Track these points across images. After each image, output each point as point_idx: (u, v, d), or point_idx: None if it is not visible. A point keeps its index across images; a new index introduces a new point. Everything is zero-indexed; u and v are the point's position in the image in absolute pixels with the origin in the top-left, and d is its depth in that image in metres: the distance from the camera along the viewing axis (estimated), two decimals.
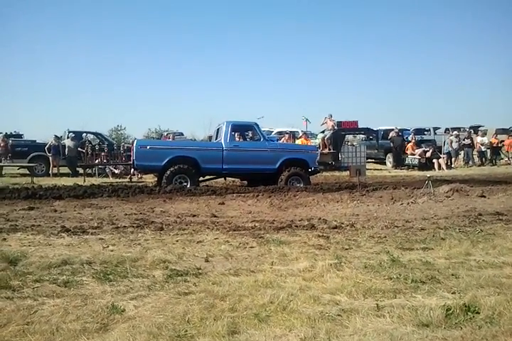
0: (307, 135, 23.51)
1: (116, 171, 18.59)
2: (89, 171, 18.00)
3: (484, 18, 77.00)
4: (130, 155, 14.47)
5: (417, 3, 77.07)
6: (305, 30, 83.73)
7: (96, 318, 3.34)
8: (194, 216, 8.39)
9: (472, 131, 25.02)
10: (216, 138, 14.44)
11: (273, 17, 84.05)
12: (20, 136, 27.56)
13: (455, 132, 24.23)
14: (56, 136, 19.05)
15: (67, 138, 19.32)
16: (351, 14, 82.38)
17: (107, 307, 3.53)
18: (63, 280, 4.20)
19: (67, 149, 18.66)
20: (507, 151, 23.95)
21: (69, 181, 14.98)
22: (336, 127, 20.73)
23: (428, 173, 13.45)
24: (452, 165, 21.97)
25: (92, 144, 19.22)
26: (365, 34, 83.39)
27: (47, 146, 18.41)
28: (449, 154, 22.44)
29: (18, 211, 8.71)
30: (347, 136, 23.47)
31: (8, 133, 24.32)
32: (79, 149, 18.76)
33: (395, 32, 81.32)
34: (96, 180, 16.18)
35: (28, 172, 18.23)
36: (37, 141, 21.40)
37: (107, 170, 18.54)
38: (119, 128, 43.99)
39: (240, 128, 14.80)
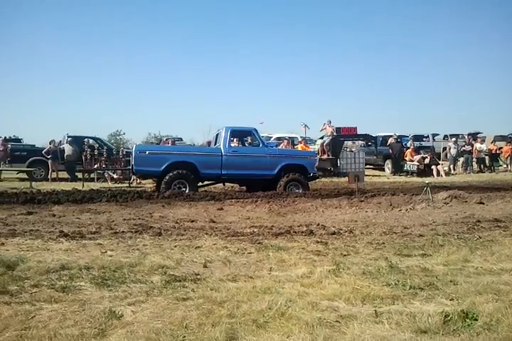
0: (306, 141, 23.55)
1: (115, 176, 18.57)
2: (87, 176, 17.96)
3: (481, 25, 77.15)
4: (129, 160, 14.48)
5: (419, 9, 77.13)
6: (306, 36, 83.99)
7: (94, 324, 3.33)
8: (193, 221, 8.38)
9: (471, 138, 25.09)
10: (215, 144, 14.45)
11: (273, 22, 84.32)
12: (19, 140, 27.67)
13: (453, 139, 24.30)
14: (53, 141, 19.02)
15: (66, 142, 19.30)
16: (351, 19, 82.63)
17: (104, 313, 3.52)
18: (61, 286, 4.19)
19: (65, 154, 18.65)
20: (505, 158, 24.01)
21: (68, 186, 14.97)
22: (335, 133, 20.77)
23: (426, 180, 13.48)
24: (451, 172, 21.98)
25: (92, 149, 19.19)
26: (366, 40, 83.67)
27: (45, 150, 18.41)
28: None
29: (17, 216, 8.70)
30: (346, 142, 23.51)
31: (8, 137, 24.32)
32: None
33: (394, 37, 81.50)
34: (95, 185, 16.17)
35: (26, 176, 18.24)
36: (36, 146, 21.42)
37: (106, 175, 18.52)
38: (118, 133, 44.04)
39: (239, 134, 14.85)
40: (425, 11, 77.27)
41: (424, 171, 21.04)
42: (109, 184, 17.65)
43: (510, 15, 75.64)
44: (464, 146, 23.04)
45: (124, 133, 44.96)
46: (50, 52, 74.81)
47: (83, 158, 18.13)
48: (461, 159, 23.30)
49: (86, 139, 20.73)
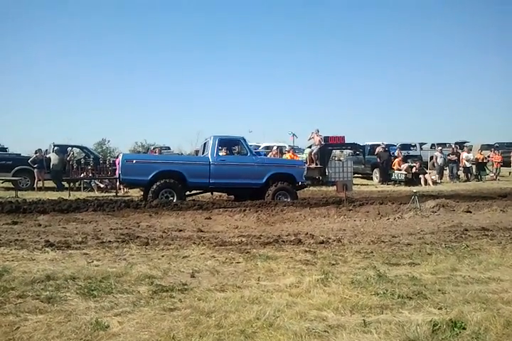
0: (294, 150, 23.58)
1: (102, 185, 18.44)
2: (72, 185, 17.83)
3: (467, 34, 78.15)
4: (116, 169, 14.39)
5: (407, 17, 77.94)
6: (294, 46, 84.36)
7: (79, 335, 3.29)
8: (180, 231, 8.34)
9: (458, 147, 25.25)
10: (203, 153, 14.41)
11: (260, 31, 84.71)
12: (4, 149, 27.40)
13: (439, 148, 24.46)
14: (40, 150, 18.90)
15: (52, 151, 19.17)
16: (337, 29, 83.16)
17: (90, 324, 3.48)
18: (46, 296, 4.13)
19: (52, 163, 18.51)
20: (495, 167, 24.21)
21: (54, 195, 14.84)
22: (322, 142, 20.83)
23: (414, 189, 13.52)
24: (438, 181, 22.11)
25: (77, 158, 19.04)
26: (353, 49, 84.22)
27: (31, 159, 18.26)
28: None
29: (2, 225, 8.59)
30: (334, 151, 23.56)
31: None
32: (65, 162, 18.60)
33: (381, 47, 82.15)
34: (81, 194, 16.04)
35: (12, 185, 18.08)
36: (22, 155, 21.25)
37: (93, 184, 18.39)
38: (104, 142, 43.71)
39: (227, 143, 14.82)
40: (410, 20, 78.12)
41: (412, 180, 21.13)
42: (96, 193, 17.49)
43: (495, 25, 76.44)
44: (449, 155, 23.20)
45: (108, 142, 44.45)
46: (35, 62, 74.33)
47: (69, 166, 17.98)
48: (448, 168, 23.45)
49: (69, 148, 20.62)
